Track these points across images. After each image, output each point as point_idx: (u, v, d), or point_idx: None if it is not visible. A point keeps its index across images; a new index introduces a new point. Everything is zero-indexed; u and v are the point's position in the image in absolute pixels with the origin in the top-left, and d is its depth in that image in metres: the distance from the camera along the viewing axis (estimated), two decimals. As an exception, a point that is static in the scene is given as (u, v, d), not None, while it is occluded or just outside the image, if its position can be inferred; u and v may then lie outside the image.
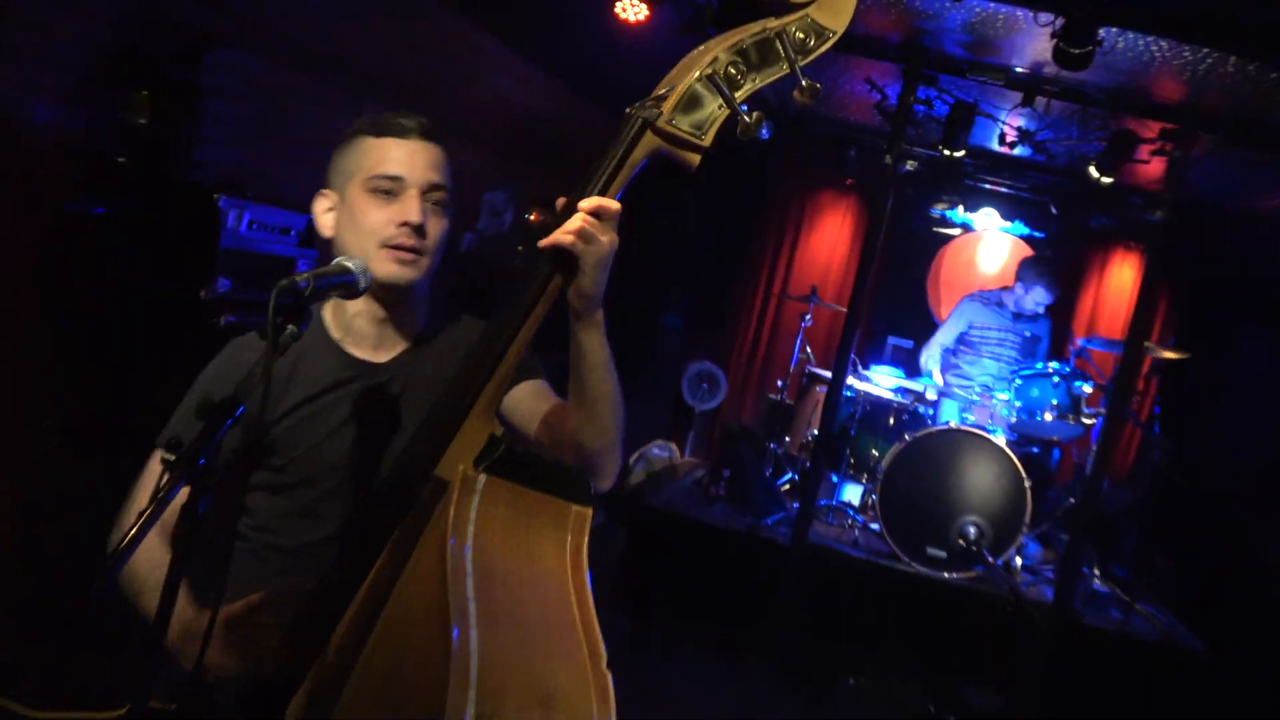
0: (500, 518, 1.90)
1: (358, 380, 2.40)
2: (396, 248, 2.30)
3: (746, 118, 1.96)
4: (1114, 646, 6.29)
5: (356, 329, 2.43)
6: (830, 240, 10.42)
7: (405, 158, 2.33)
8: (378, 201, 2.31)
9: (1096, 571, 7.04)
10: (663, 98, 1.99)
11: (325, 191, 2.43)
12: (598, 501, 2.00)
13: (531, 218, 7.44)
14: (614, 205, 1.98)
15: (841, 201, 10.41)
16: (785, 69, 2.02)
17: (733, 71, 1.99)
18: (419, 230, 2.31)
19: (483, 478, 1.91)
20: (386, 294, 2.38)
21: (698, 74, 1.97)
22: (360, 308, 2.41)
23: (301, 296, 1.86)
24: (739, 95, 1.99)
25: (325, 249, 2.42)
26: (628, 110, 2.01)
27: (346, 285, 2.03)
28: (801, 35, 2.01)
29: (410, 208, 2.30)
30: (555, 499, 1.96)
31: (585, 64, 7.51)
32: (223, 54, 5.29)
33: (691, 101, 1.98)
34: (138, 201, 4.57)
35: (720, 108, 1.99)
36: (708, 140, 1.99)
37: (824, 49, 2.03)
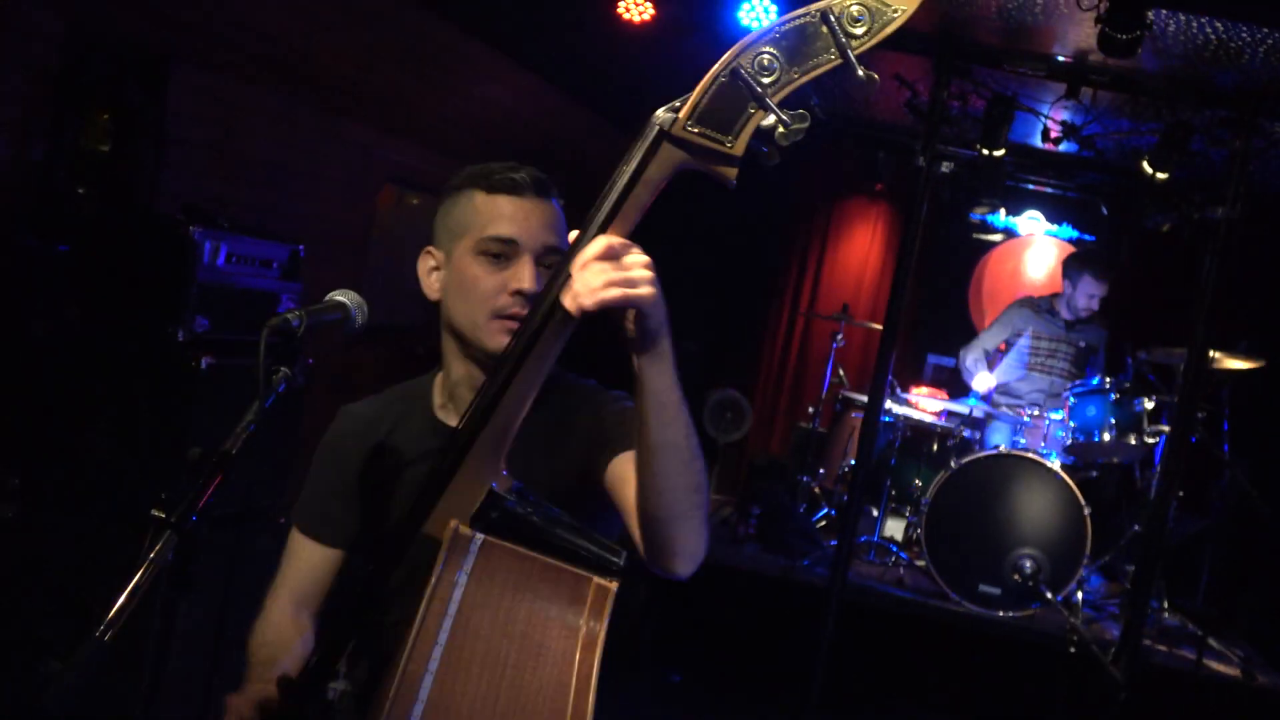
0: (497, 586, 1.80)
1: (440, 451, 2.31)
2: (510, 318, 2.24)
3: (785, 117, 1.77)
4: (1189, 686, 6.29)
5: (458, 396, 2.38)
6: (861, 252, 10.45)
7: (520, 217, 2.27)
8: (488, 266, 2.26)
9: (1165, 604, 7.04)
10: (686, 101, 1.81)
11: (430, 249, 2.39)
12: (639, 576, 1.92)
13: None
14: (620, 243, 1.82)
15: (872, 209, 10.45)
16: (835, 59, 1.77)
17: (766, 62, 1.77)
18: (532, 296, 2.21)
19: (479, 538, 1.81)
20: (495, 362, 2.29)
21: (722, 69, 1.78)
22: (463, 374, 2.36)
23: (294, 335, 1.86)
24: (776, 93, 1.78)
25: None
26: (651, 118, 1.86)
27: (341, 323, 2.03)
28: (857, 12, 1.76)
29: (524, 274, 2.24)
30: (570, 567, 1.85)
31: (587, 70, 7.56)
32: (183, 72, 5.34)
33: (717, 102, 1.79)
34: (104, 237, 4.61)
35: (753, 109, 1.79)
36: (738, 149, 1.80)
37: (887, 32, 1.77)
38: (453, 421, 2.36)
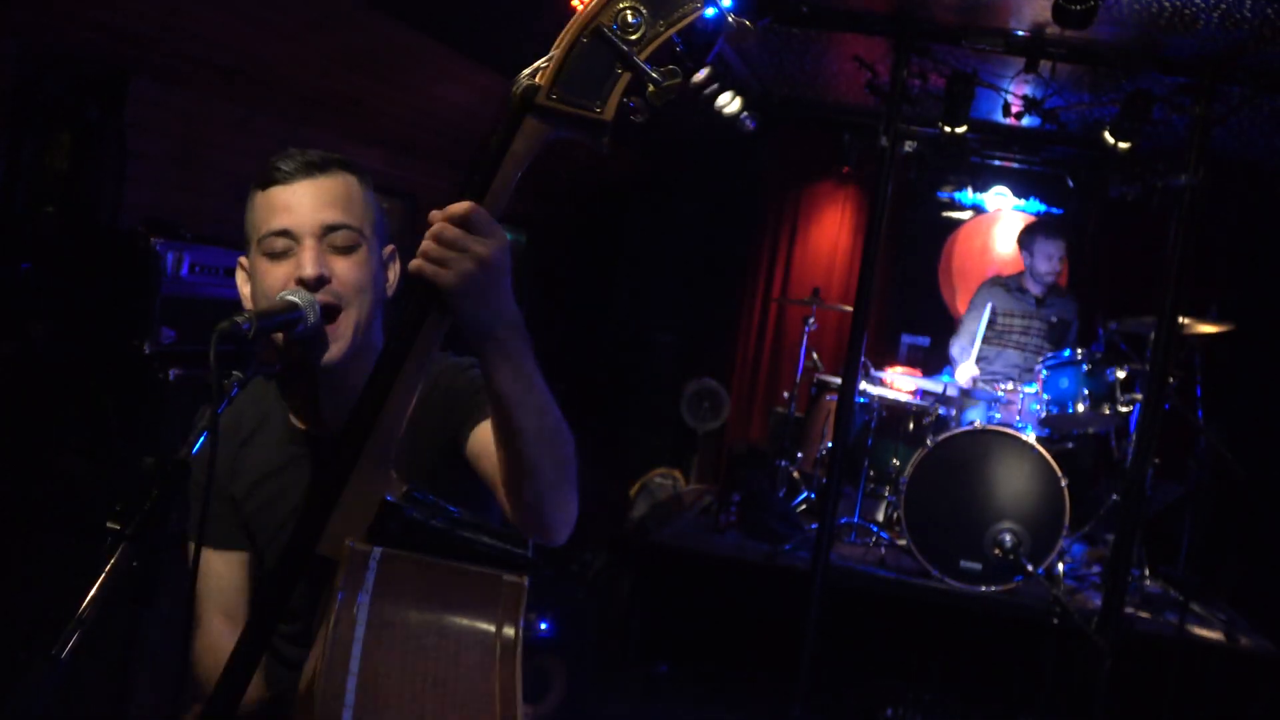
0: (404, 601, 1.71)
1: (303, 458, 2.31)
2: None
3: (656, 75, 1.71)
4: (1173, 652, 6.30)
5: (298, 395, 2.32)
6: (831, 235, 10.44)
7: (291, 205, 2.18)
8: (273, 263, 2.18)
9: (1146, 571, 7.05)
10: (545, 65, 1.74)
11: (241, 260, 2.33)
12: (536, 565, 1.83)
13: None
14: (467, 209, 1.75)
15: (840, 192, 10.44)
16: (700, 6, 1.71)
17: (630, 18, 1.70)
18: (317, 282, 2.13)
19: (377, 551, 1.72)
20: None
21: (580, 28, 1.71)
22: (294, 378, 2.29)
23: (245, 340, 1.83)
24: (642, 50, 1.71)
25: None
26: (512, 87, 1.78)
27: (293, 323, 2.01)
28: None
29: (304, 260, 2.14)
30: (477, 569, 1.77)
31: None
32: (141, 86, 5.31)
33: (580, 66, 1.71)
34: (66, 253, 4.58)
35: (619, 68, 1.71)
36: (608, 113, 1.72)
37: None
38: (302, 423, 2.33)
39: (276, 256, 2.17)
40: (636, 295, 10.41)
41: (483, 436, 2.14)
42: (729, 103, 8.06)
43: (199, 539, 1.84)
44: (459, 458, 2.23)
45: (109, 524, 1.67)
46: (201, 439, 1.80)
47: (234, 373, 1.83)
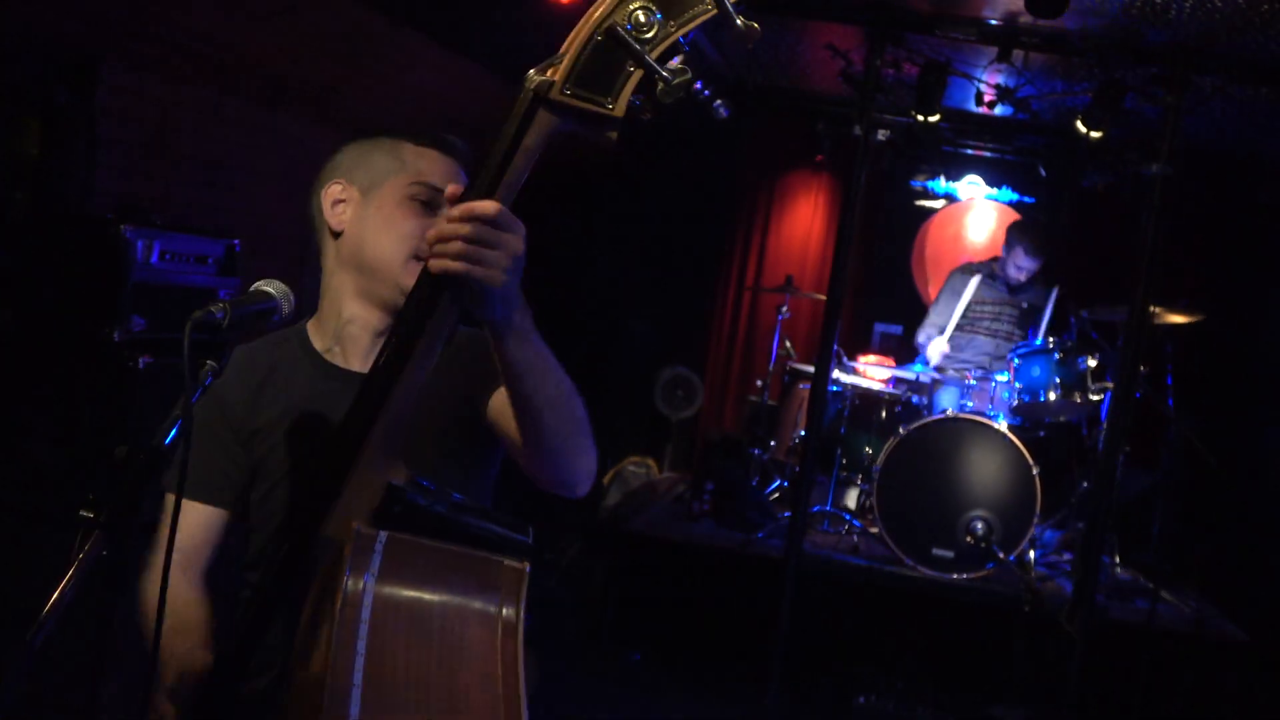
0: (408, 584, 1.75)
1: (341, 390, 2.26)
2: None
3: (666, 74, 1.72)
4: (1144, 640, 6.33)
5: (348, 337, 2.39)
6: (805, 224, 10.46)
7: (450, 174, 2.35)
8: (414, 210, 2.32)
9: (1117, 559, 7.09)
10: (557, 62, 1.77)
11: (340, 181, 2.39)
12: (536, 552, 1.86)
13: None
14: (492, 207, 1.78)
15: (813, 181, 10.45)
16: (711, 9, 1.73)
17: (642, 18, 1.72)
18: None
19: (383, 535, 1.76)
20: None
21: (594, 26, 1.73)
22: (357, 314, 2.37)
23: (219, 329, 1.82)
24: (653, 49, 1.73)
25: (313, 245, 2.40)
26: (525, 81, 1.80)
27: (268, 313, 1.99)
28: None
29: None
30: (480, 554, 1.81)
31: (521, 52, 7.50)
32: (112, 72, 5.28)
33: (592, 62, 1.74)
34: (35, 239, 4.56)
35: (631, 66, 1.74)
36: (619, 109, 1.75)
37: None
38: (343, 363, 2.39)
39: (421, 205, 2.34)
40: (610, 283, 10.40)
41: (503, 400, 2.21)
42: (702, 90, 8.07)
43: (178, 490, 1.82)
44: (475, 421, 2.35)
45: (81, 512, 1.66)
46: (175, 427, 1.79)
47: (208, 361, 1.83)
